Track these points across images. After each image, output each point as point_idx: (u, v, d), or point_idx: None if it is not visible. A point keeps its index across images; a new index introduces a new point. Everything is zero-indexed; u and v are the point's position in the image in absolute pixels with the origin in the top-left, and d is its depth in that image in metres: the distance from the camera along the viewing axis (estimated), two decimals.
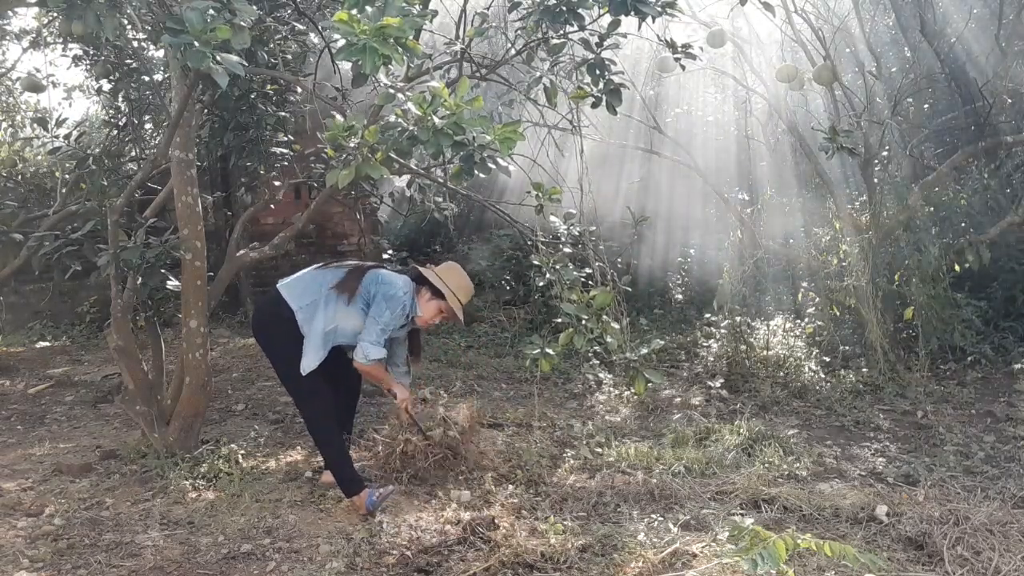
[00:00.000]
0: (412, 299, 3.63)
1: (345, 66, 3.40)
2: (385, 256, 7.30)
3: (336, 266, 3.74)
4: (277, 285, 3.66)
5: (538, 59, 4.16)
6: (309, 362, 3.53)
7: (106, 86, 6.04)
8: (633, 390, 3.73)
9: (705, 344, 6.31)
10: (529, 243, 3.77)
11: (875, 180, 5.98)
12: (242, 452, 4.23)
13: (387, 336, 3.54)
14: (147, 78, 5.58)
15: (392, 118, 2.73)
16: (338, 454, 3.62)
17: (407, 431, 3.92)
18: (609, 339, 3.40)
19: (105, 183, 5.30)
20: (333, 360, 3.67)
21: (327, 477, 3.78)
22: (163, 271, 4.20)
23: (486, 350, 6.68)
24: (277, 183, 5.58)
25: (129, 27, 4.81)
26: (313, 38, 5.52)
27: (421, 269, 3.72)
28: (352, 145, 2.71)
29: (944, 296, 5.66)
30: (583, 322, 3.37)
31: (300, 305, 3.55)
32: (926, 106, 7.04)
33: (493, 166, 2.86)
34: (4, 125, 7.88)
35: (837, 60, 5.80)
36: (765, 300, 7.04)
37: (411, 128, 2.64)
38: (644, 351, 3.61)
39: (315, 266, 3.81)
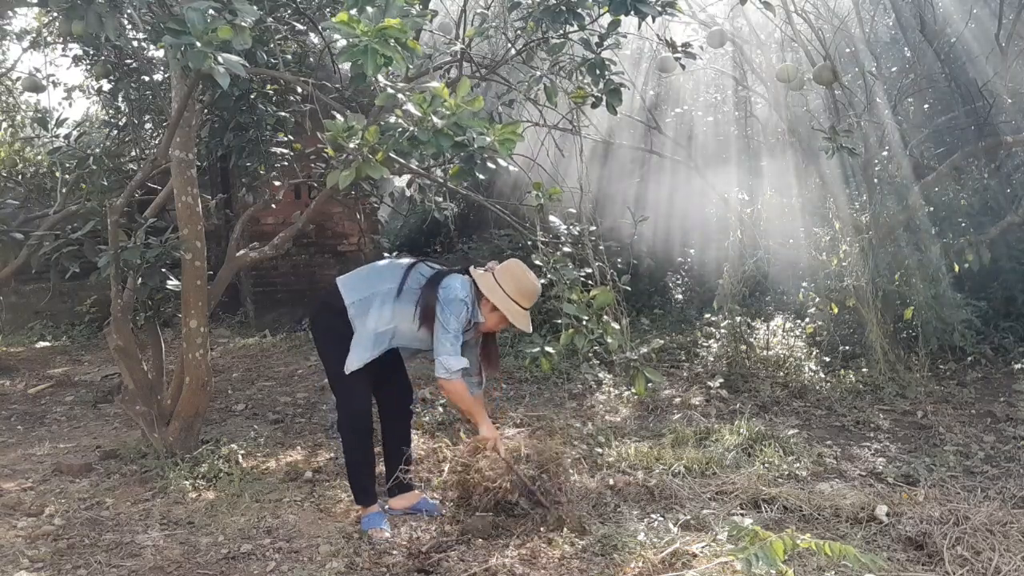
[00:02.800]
0: (473, 302, 3.33)
1: (345, 66, 3.39)
2: (385, 256, 7.28)
3: (398, 264, 3.48)
4: (336, 279, 3.46)
5: (538, 59, 4.16)
6: (353, 361, 3.31)
7: (106, 86, 6.03)
8: (633, 390, 3.71)
9: (705, 344, 6.31)
10: (529, 243, 3.75)
11: (875, 180, 5.98)
12: (242, 452, 4.23)
13: (459, 342, 3.26)
14: (147, 78, 5.58)
15: (392, 119, 2.73)
16: (356, 466, 3.43)
17: (508, 483, 3.37)
18: (609, 339, 3.38)
19: (105, 183, 5.31)
20: (390, 368, 3.52)
21: (396, 503, 3.55)
22: (163, 271, 4.20)
23: None
24: (277, 183, 5.58)
25: (129, 27, 4.81)
26: (313, 38, 5.52)
27: (473, 273, 3.37)
28: (352, 146, 2.70)
29: (944, 296, 5.66)
30: (583, 322, 3.36)
31: (353, 300, 3.34)
32: (926, 106, 7.05)
33: (494, 167, 2.86)
34: (4, 125, 7.88)
35: (837, 60, 5.79)
36: (765, 300, 7.04)
37: (411, 129, 2.64)
38: (644, 350, 3.59)
39: (378, 262, 3.59)
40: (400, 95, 2.73)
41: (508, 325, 3.36)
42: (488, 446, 3.36)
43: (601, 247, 4.03)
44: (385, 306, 3.32)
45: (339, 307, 3.35)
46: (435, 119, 2.60)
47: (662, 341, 6.44)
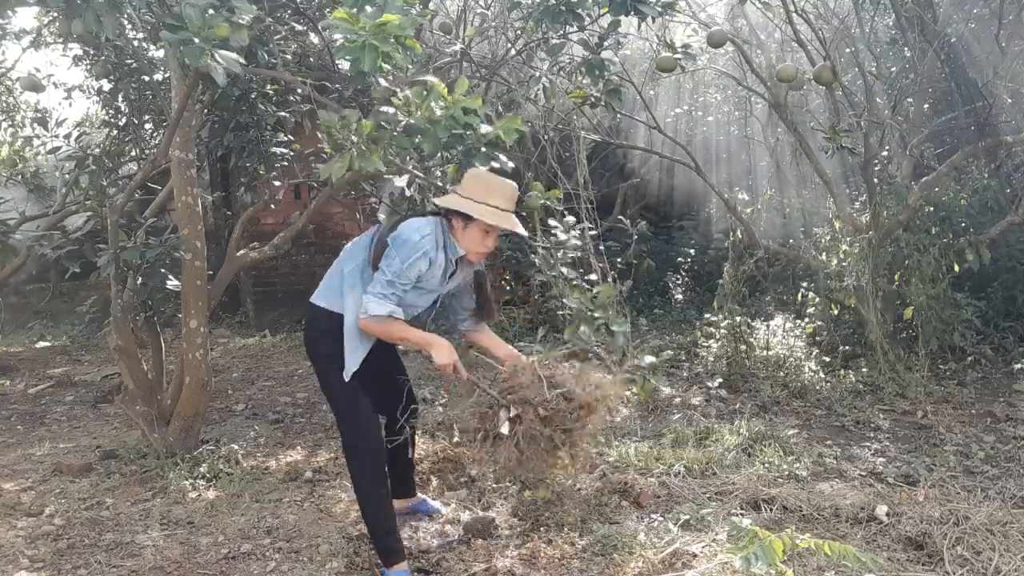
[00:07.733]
0: (442, 241, 2.88)
1: (346, 65, 3.39)
2: None
3: (358, 241, 3.08)
4: (311, 300, 3.07)
5: (538, 59, 4.16)
6: (351, 362, 2.92)
7: (106, 86, 6.03)
8: (634, 390, 3.71)
9: (705, 344, 6.31)
10: (529, 243, 3.75)
11: (875, 180, 5.97)
12: (242, 452, 4.23)
13: (399, 290, 2.81)
14: (147, 78, 5.57)
15: (390, 110, 2.72)
16: (382, 520, 3.02)
17: (469, 408, 2.87)
18: (615, 328, 3.34)
19: (105, 183, 5.30)
20: (387, 377, 3.17)
21: (398, 504, 3.24)
22: (163, 271, 4.19)
23: None
24: (277, 183, 5.58)
25: (129, 27, 4.81)
26: (313, 38, 5.52)
27: (437, 200, 3.00)
28: (349, 139, 2.70)
29: (944, 296, 5.65)
30: (589, 312, 3.35)
31: (335, 306, 2.98)
32: (926, 106, 7.03)
33: (495, 163, 2.86)
34: (4, 125, 7.87)
35: (837, 60, 5.79)
36: (765, 300, 7.03)
37: (406, 119, 2.63)
38: (652, 360, 3.50)
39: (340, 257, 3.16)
40: (397, 89, 2.73)
41: (492, 235, 2.91)
42: (446, 371, 2.85)
43: (601, 247, 4.03)
44: (356, 288, 2.92)
45: (325, 326, 2.99)
46: (433, 108, 2.59)
47: (671, 352, 6.42)
